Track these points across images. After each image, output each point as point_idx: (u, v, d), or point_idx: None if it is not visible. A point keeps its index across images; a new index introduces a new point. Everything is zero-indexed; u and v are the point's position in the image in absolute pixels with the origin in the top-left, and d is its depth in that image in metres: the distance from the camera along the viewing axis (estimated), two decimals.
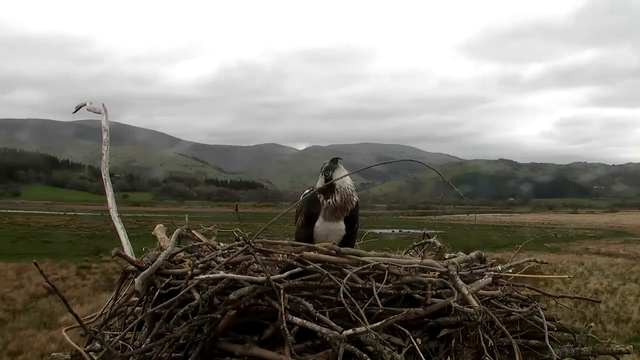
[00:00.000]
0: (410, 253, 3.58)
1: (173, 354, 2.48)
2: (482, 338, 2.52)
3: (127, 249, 3.18)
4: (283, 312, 2.36)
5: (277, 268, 2.66)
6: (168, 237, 3.17)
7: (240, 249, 2.64)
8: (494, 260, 3.31)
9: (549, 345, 2.66)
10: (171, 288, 2.60)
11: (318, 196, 3.18)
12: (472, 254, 3.05)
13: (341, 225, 3.23)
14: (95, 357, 2.70)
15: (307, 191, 3.28)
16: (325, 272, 2.51)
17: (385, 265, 2.60)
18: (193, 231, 3.34)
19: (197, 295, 2.45)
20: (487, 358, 2.48)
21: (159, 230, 3.33)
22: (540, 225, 74.69)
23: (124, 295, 2.90)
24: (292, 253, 2.67)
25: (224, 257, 2.70)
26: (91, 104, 3.86)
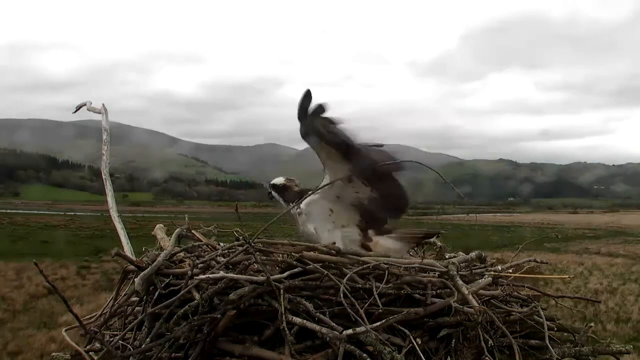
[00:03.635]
0: (410, 253, 3.58)
1: (173, 354, 2.48)
2: (482, 338, 2.51)
3: (127, 249, 3.17)
4: (283, 312, 2.36)
5: (277, 268, 2.66)
6: (168, 237, 3.17)
7: (240, 249, 2.64)
8: (494, 260, 3.30)
9: (549, 345, 2.66)
10: (171, 288, 2.60)
11: None
12: (472, 254, 3.04)
13: None
14: (95, 357, 2.70)
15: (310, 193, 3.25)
16: (325, 272, 2.50)
17: (385, 265, 2.60)
18: (193, 231, 3.33)
19: (197, 295, 2.45)
20: (487, 358, 2.47)
21: (159, 230, 3.33)
22: (540, 225, 74.64)
23: (124, 295, 2.90)
24: (292, 253, 2.67)
25: (224, 257, 2.70)
26: (91, 104, 3.86)
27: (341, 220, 3.09)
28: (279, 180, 3.42)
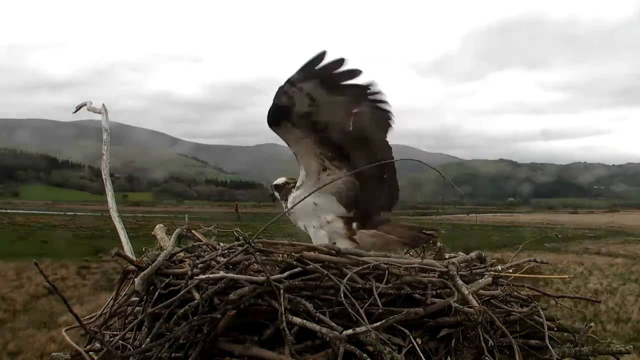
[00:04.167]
0: (410, 253, 3.58)
1: (173, 354, 2.48)
2: (482, 338, 2.51)
3: (127, 249, 3.17)
4: (283, 312, 2.35)
5: (277, 268, 2.66)
6: (168, 237, 3.17)
7: (240, 249, 2.64)
8: (494, 260, 3.30)
9: (549, 345, 2.66)
10: (171, 288, 2.60)
11: None
12: (472, 254, 3.04)
13: None
14: (95, 357, 2.70)
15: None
16: (325, 272, 2.50)
17: (385, 265, 2.60)
18: (193, 231, 3.33)
19: (197, 295, 2.45)
20: (487, 358, 2.48)
21: (159, 230, 3.33)
22: (540, 225, 74.63)
23: (124, 295, 2.90)
24: (292, 253, 2.67)
25: (224, 257, 2.70)
26: (91, 103, 3.86)
27: (326, 214, 3.11)
28: (280, 180, 3.45)
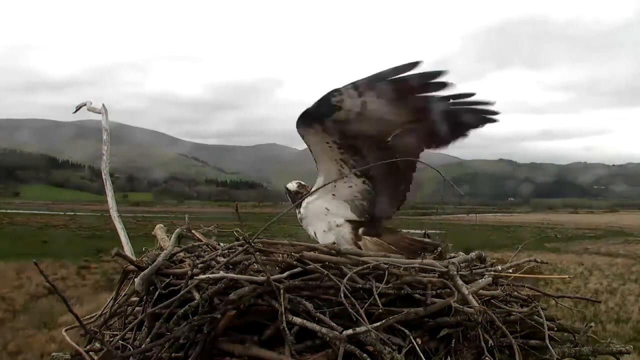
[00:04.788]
0: None
1: (173, 354, 2.48)
2: (482, 338, 2.51)
3: (127, 249, 3.17)
4: (283, 312, 2.36)
5: (277, 268, 2.66)
6: (168, 237, 3.17)
7: (240, 249, 2.64)
8: (494, 260, 3.30)
9: (549, 345, 2.66)
10: (171, 288, 2.60)
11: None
12: (472, 254, 3.04)
13: None
14: (95, 357, 2.70)
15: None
16: (326, 272, 2.51)
17: (385, 265, 2.60)
18: (193, 231, 3.34)
19: (197, 295, 2.45)
20: (487, 358, 2.47)
21: (159, 230, 3.33)
22: (540, 225, 74.62)
23: (124, 295, 2.90)
24: (292, 253, 2.67)
25: (224, 257, 2.70)
26: (91, 103, 3.86)
27: (336, 219, 3.12)
28: (292, 185, 3.47)
